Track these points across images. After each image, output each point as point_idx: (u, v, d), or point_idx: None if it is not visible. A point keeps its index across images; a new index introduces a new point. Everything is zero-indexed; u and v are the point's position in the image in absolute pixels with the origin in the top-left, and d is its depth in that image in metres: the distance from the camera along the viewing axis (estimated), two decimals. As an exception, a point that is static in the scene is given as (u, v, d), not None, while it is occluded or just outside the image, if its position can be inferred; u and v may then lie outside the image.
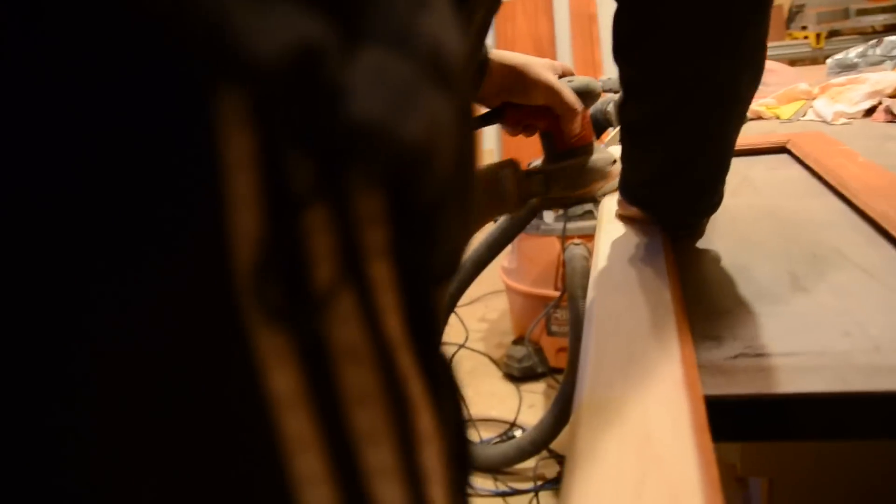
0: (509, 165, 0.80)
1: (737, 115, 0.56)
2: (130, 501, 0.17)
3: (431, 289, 0.22)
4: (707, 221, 0.68)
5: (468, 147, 0.24)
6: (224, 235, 0.16)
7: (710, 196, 0.62)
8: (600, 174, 0.84)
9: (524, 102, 0.81)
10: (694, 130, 0.55)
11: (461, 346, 1.99)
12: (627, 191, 0.66)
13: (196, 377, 0.17)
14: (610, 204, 0.78)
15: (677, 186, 0.60)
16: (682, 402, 0.37)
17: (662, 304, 0.50)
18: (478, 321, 2.57)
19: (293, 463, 0.18)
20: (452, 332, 2.10)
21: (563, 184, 0.83)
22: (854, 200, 0.72)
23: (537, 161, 0.86)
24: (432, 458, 0.22)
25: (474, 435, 1.93)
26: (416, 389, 0.21)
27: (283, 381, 0.18)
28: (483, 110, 0.81)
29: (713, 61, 0.51)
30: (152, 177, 0.16)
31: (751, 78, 0.53)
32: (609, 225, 0.72)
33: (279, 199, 0.17)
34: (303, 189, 0.17)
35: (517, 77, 0.79)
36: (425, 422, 0.22)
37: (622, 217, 0.74)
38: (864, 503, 0.82)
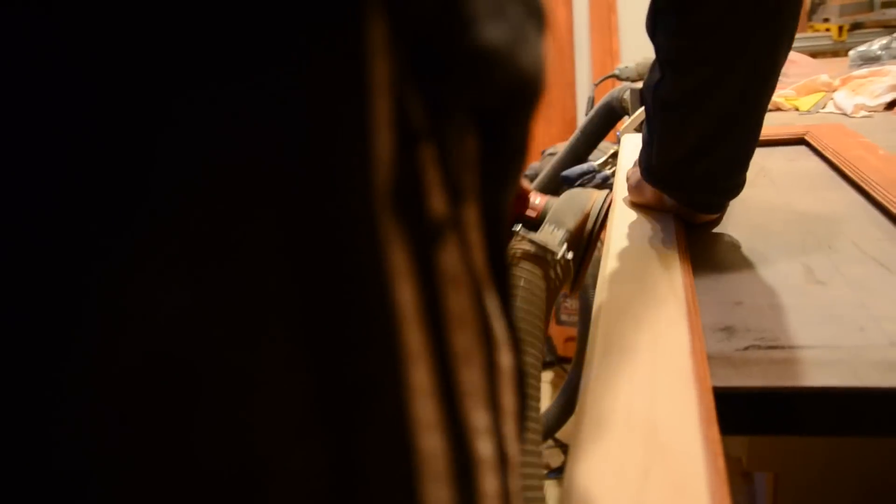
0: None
1: (771, 85, 0.57)
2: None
3: (505, 234, 0.24)
4: (727, 206, 0.67)
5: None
6: (370, 152, 0.18)
7: (739, 173, 0.62)
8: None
9: None
10: (732, 102, 0.56)
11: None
12: (654, 174, 0.65)
13: (336, 283, 0.18)
14: (622, 191, 0.76)
15: (711, 162, 0.60)
16: (691, 393, 0.36)
17: (674, 293, 0.49)
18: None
19: (409, 374, 0.19)
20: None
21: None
22: (873, 193, 0.70)
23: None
24: (508, 395, 0.24)
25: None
26: (499, 326, 0.23)
27: (406, 294, 0.19)
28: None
29: (755, 30, 0.52)
30: (306, 93, 0.17)
31: (786, 47, 0.55)
32: (620, 213, 0.71)
33: (404, 129, 0.19)
34: (419, 124, 0.19)
35: None
36: (505, 358, 0.24)
37: (634, 205, 0.73)
38: (869, 499, 0.82)
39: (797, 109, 1.27)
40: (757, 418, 0.41)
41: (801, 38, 3.09)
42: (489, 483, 0.21)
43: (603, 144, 1.60)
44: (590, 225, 0.69)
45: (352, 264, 0.18)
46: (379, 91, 0.18)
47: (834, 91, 1.30)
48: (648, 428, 0.34)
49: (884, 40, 1.55)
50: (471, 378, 0.22)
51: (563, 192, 0.79)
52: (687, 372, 0.38)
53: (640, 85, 1.10)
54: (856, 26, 3.10)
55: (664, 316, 0.46)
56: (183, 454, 0.17)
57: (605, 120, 1.45)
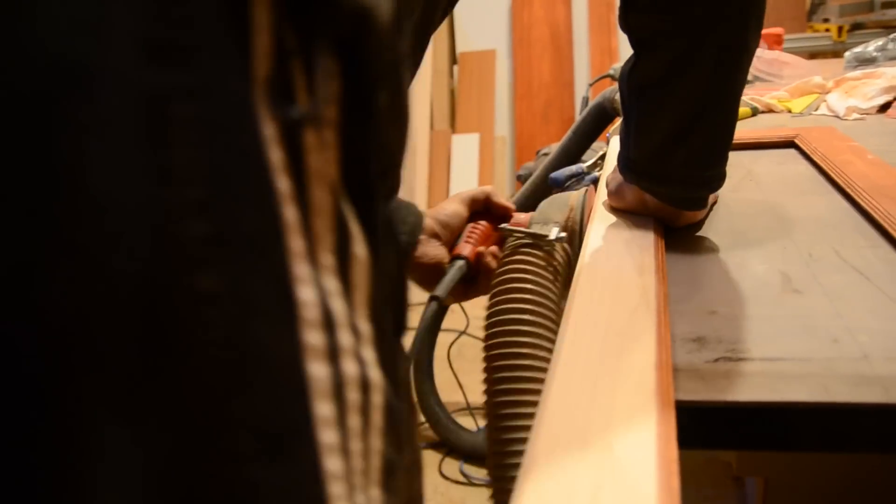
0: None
1: (743, 67, 0.58)
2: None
3: (370, 164, 0.30)
4: (708, 206, 0.67)
5: (401, 67, 0.31)
6: (251, 47, 0.24)
7: (718, 163, 0.63)
8: None
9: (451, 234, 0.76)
10: (705, 82, 0.57)
11: (462, 332, 1.98)
12: (633, 168, 0.65)
13: (224, 141, 0.24)
14: (603, 196, 0.76)
15: (689, 150, 0.60)
16: (651, 409, 0.35)
17: (646, 303, 0.48)
18: (480, 309, 2.55)
19: (289, 240, 0.25)
20: (454, 320, 2.09)
21: None
22: (858, 199, 0.69)
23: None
24: (362, 280, 0.29)
25: (473, 423, 1.92)
26: (354, 225, 0.29)
27: (276, 155, 0.25)
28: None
29: (722, 7, 0.55)
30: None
31: (755, 25, 0.57)
32: (599, 219, 0.70)
33: (279, 43, 0.25)
34: (290, 46, 0.25)
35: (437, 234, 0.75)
36: (360, 249, 0.29)
37: (613, 210, 0.71)
38: (859, 502, 0.81)
39: (790, 111, 1.25)
40: (725, 433, 0.40)
41: (801, 38, 3.07)
42: (314, 337, 0.27)
43: (596, 144, 1.59)
44: (577, 216, 0.70)
45: (234, 136, 0.24)
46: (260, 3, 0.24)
47: (827, 93, 1.29)
48: (604, 445, 0.33)
49: (879, 42, 1.54)
50: (325, 259, 0.27)
51: (551, 194, 0.80)
52: (650, 387, 0.37)
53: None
54: (856, 27, 3.09)
55: (634, 326, 0.45)
56: None
57: (597, 120, 1.44)
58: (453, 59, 3.96)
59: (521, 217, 0.74)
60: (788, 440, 0.40)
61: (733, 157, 0.95)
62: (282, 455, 0.25)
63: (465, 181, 3.67)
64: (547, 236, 0.66)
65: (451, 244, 0.74)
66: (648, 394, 0.36)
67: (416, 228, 0.72)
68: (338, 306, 0.28)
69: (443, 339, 1.88)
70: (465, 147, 3.76)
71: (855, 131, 1.04)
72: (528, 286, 0.63)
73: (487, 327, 0.63)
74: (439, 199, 3.70)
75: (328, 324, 0.27)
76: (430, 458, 1.83)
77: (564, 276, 0.66)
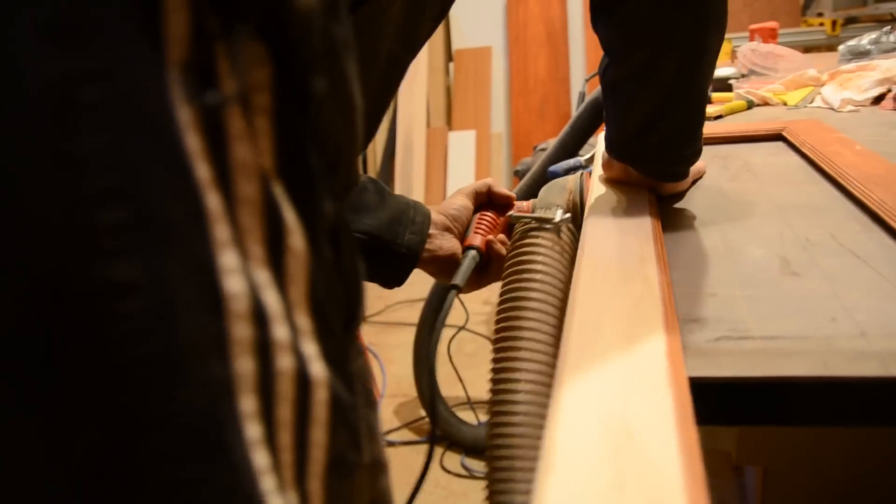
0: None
1: (706, 64, 0.63)
2: None
3: (310, 155, 0.29)
4: (689, 174, 0.72)
5: (338, 38, 0.31)
6: (163, 30, 0.23)
7: (690, 144, 0.68)
8: None
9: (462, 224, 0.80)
10: (670, 82, 0.62)
11: (461, 328, 1.99)
12: (614, 149, 0.71)
13: (135, 126, 0.23)
14: (598, 187, 0.77)
15: (660, 136, 0.66)
16: (666, 394, 0.35)
17: (649, 291, 0.49)
18: (480, 304, 2.57)
19: (212, 228, 0.25)
20: (454, 315, 2.10)
21: None
22: (850, 188, 0.70)
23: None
24: (299, 273, 0.28)
25: (474, 417, 1.93)
26: (290, 217, 0.28)
27: (194, 141, 0.24)
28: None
29: (679, 19, 0.59)
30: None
31: (715, 30, 0.61)
32: (596, 203, 0.71)
33: (199, 28, 0.24)
34: (213, 30, 0.25)
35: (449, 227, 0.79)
36: (296, 241, 0.28)
37: (607, 181, 0.77)
38: (858, 492, 0.82)
39: (785, 104, 1.27)
40: (728, 408, 0.41)
41: (795, 32, 3.09)
42: (241, 329, 0.26)
43: (593, 139, 1.61)
44: (576, 197, 0.75)
45: (148, 125, 0.23)
46: None
47: (822, 86, 1.30)
48: (623, 433, 0.33)
49: (873, 35, 1.56)
50: (255, 250, 0.27)
51: None
52: (663, 372, 0.37)
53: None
54: (850, 21, 3.10)
55: (640, 315, 0.45)
56: None
57: (594, 115, 1.45)
58: (449, 56, 3.97)
59: (523, 204, 0.78)
60: (789, 415, 0.41)
61: (730, 149, 0.97)
62: (210, 452, 0.24)
63: (462, 177, 3.68)
64: (553, 219, 0.69)
65: (462, 236, 0.78)
66: (663, 380, 0.37)
67: (424, 227, 0.75)
68: (270, 299, 0.27)
69: (443, 335, 1.89)
70: (461, 144, 3.77)
71: (850, 123, 1.06)
72: (539, 266, 0.66)
73: (500, 310, 0.65)
74: (436, 195, 3.70)
75: (258, 316, 0.26)
76: (431, 452, 1.85)
77: (571, 253, 0.70)
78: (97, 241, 0.22)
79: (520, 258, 0.67)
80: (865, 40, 1.56)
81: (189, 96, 0.24)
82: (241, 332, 0.25)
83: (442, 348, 1.93)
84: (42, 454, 0.23)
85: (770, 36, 1.79)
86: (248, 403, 0.26)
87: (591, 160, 1.14)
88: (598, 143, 0.94)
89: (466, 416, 1.93)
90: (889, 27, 1.56)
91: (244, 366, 0.26)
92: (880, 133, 0.98)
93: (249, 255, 0.26)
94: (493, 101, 3.89)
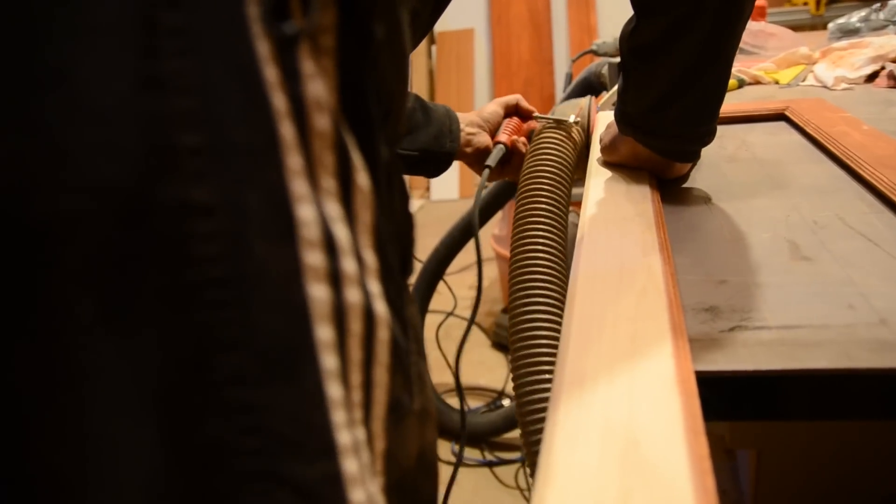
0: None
1: (738, 32, 0.60)
2: None
3: (369, 98, 0.30)
4: (699, 156, 0.70)
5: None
6: None
7: (710, 119, 0.65)
8: None
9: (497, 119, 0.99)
10: (699, 47, 0.59)
11: (450, 313, 1.97)
12: (629, 122, 0.68)
13: (215, 52, 0.24)
14: (595, 169, 0.74)
15: (683, 106, 0.63)
16: (674, 399, 0.33)
17: (653, 284, 0.46)
18: (467, 289, 2.55)
19: (287, 157, 0.25)
20: (441, 301, 2.08)
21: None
22: (858, 170, 0.68)
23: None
24: (365, 211, 0.29)
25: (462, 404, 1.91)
26: (356, 155, 0.29)
27: (271, 72, 0.25)
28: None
29: None
30: None
31: None
32: (595, 181, 0.69)
33: None
34: None
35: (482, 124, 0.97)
36: (362, 179, 0.29)
37: (608, 164, 0.74)
38: (852, 476, 0.81)
39: (777, 83, 1.25)
40: (745, 403, 0.39)
41: (779, 12, 3.07)
42: (314, 257, 0.26)
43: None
44: (585, 112, 0.92)
45: (225, 50, 0.24)
46: None
47: (814, 64, 1.28)
48: (628, 442, 0.30)
49: (862, 12, 1.54)
50: (326, 183, 0.27)
51: None
52: (669, 377, 0.35)
53: (617, 60, 1.08)
54: (834, 0, 3.09)
55: (644, 310, 0.43)
56: None
57: (583, 95, 1.42)
58: (431, 39, 3.93)
59: (539, 115, 0.96)
60: (810, 408, 0.39)
61: (726, 128, 0.95)
62: (284, 378, 0.25)
63: (446, 162, 3.64)
64: (567, 120, 0.88)
65: (492, 134, 0.98)
66: (670, 384, 0.34)
67: (458, 133, 0.93)
68: (340, 232, 0.27)
69: (431, 321, 1.87)
70: (445, 127, 3.73)
71: (843, 101, 1.04)
72: (553, 150, 0.82)
73: (520, 188, 0.79)
74: (422, 178, 3.67)
75: (329, 246, 0.27)
76: (420, 440, 1.83)
77: (579, 150, 0.87)
78: (175, 163, 0.23)
79: (541, 144, 0.84)
80: (855, 18, 1.54)
81: (266, 29, 0.25)
82: (314, 259, 0.26)
83: (430, 334, 1.91)
84: (118, 373, 0.22)
85: (759, 14, 1.77)
86: (324, 332, 0.26)
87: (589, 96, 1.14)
88: (596, 127, 0.91)
89: (455, 402, 1.91)
90: (878, 4, 1.54)
91: (320, 292, 0.26)
92: (877, 111, 0.96)
93: (320, 187, 0.27)
94: (477, 83, 3.85)
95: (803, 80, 1.22)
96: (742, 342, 0.41)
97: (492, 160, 0.93)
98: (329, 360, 0.26)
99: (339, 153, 0.28)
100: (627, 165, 0.73)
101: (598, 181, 0.71)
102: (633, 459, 0.29)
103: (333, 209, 0.27)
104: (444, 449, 1.80)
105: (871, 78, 1.16)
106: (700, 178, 0.74)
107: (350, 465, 0.26)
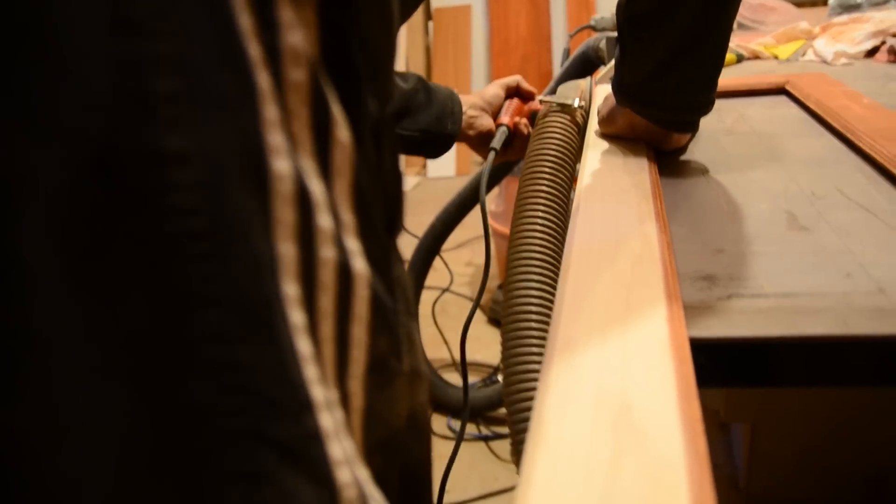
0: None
1: (734, 3, 0.60)
2: None
3: (353, 53, 0.30)
4: (697, 126, 0.69)
5: None
6: None
7: (708, 89, 0.64)
8: None
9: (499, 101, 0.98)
10: (697, 15, 0.58)
11: (445, 289, 1.97)
12: (626, 92, 0.67)
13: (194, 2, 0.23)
14: (593, 142, 0.74)
15: (680, 76, 0.62)
16: (667, 365, 0.32)
17: (649, 253, 0.46)
18: (464, 266, 2.55)
19: (255, 78, 0.25)
20: (437, 277, 2.08)
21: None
22: (857, 142, 0.68)
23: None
24: (345, 166, 0.29)
25: (458, 380, 1.92)
26: (336, 110, 0.28)
27: (246, 20, 0.24)
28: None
29: None
30: None
31: None
32: (591, 162, 0.68)
33: None
34: None
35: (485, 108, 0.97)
36: (342, 134, 0.29)
37: (605, 136, 0.73)
38: (845, 449, 0.81)
39: (776, 58, 1.24)
40: (742, 370, 0.39)
41: (779, -11, 3.04)
42: (285, 213, 0.26)
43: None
44: (587, 94, 0.91)
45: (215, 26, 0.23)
46: None
47: (814, 39, 1.27)
48: (620, 406, 0.30)
49: (863, -13, 1.52)
50: (302, 137, 0.27)
51: None
52: (663, 341, 0.35)
53: (615, 34, 1.07)
54: (833, -23, 3.06)
55: (639, 277, 0.43)
56: None
57: (581, 69, 1.41)
58: (428, 15, 3.89)
59: (545, 98, 0.94)
60: (807, 375, 0.39)
61: (724, 102, 0.95)
62: (261, 334, 0.24)
63: (443, 139, 3.62)
64: (572, 104, 0.87)
65: (494, 116, 0.98)
66: (663, 350, 0.34)
67: (460, 114, 0.93)
68: (315, 187, 0.27)
69: (427, 297, 1.86)
70: (442, 104, 3.71)
71: (844, 76, 1.03)
72: (559, 134, 0.83)
73: (525, 171, 0.80)
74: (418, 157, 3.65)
75: (303, 202, 0.26)
76: (416, 415, 1.84)
77: (581, 132, 0.86)
78: (150, 109, 0.22)
79: (546, 127, 0.84)
80: (856, -7, 1.53)
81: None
82: (285, 214, 0.25)
83: (426, 310, 1.91)
84: (88, 333, 0.22)
85: (758, -11, 1.75)
86: (290, 288, 0.25)
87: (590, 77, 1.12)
88: (595, 97, 0.91)
89: (451, 378, 1.92)
90: (879, -20, 1.53)
91: (287, 250, 0.26)
92: (877, 86, 0.95)
93: (296, 141, 0.26)
94: (474, 60, 3.83)
95: (803, 56, 1.22)
96: (739, 309, 0.41)
97: (496, 142, 0.93)
98: (297, 316, 0.25)
99: (317, 106, 0.27)
100: (625, 137, 0.72)
101: (595, 153, 0.71)
102: (625, 423, 0.29)
103: (308, 164, 0.27)
104: (440, 423, 1.81)
105: (872, 53, 1.15)
106: (698, 150, 0.73)
107: (326, 421, 0.26)
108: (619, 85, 0.67)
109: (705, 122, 0.81)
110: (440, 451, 1.71)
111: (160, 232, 0.22)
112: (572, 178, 0.80)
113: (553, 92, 0.95)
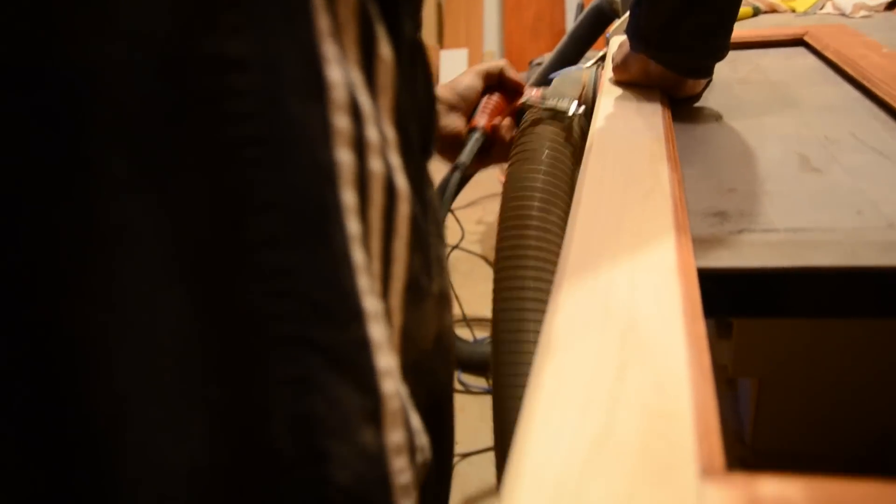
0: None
1: None
2: None
3: None
4: (713, 72, 0.68)
5: None
6: None
7: (724, 34, 0.63)
8: None
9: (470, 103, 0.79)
10: None
11: (455, 246, 1.98)
12: (641, 37, 0.66)
13: None
14: (608, 88, 0.73)
15: (696, 20, 0.61)
16: (674, 286, 0.33)
17: (659, 187, 0.46)
18: (475, 223, 2.55)
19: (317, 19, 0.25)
20: (448, 234, 2.08)
21: None
22: (874, 89, 0.67)
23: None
24: (387, 82, 0.29)
25: (469, 334, 1.93)
26: (379, 27, 0.28)
27: None
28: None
29: None
30: None
31: None
32: (605, 107, 0.68)
33: None
34: None
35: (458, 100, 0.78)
36: (385, 50, 0.29)
37: (619, 83, 0.72)
38: (851, 404, 0.82)
39: (794, 10, 1.22)
40: (749, 300, 0.39)
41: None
42: (342, 120, 0.26)
43: (591, 53, 1.55)
44: (590, 92, 0.72)
45: None
46: None
47: (832, -9, 1.25)
48: (627, 323, 0.31)
49: (885, -60, 1.49)
50: (350, 50, 0.27)
51: None
52: (671, 265, 0.35)
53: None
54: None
55: (648, 208, 0.43)
56: None
57: (595, 23, 1.39)
58: (441, -29, 3.84)
59: (533, 91, 0.75)
60: (815, 306, 0.40)
61: (739, 53, 0.94)
62: (315, 241, 0.24)
63: (455, 98, 3.60)
64: (567, 112, 0.68)
65: (468, 115, 0.76)
66: (671, 273, 0.34)
67: None
68: (364, 99, 0.27)
69: (436, 253, 1.87)
70: (453, 63, 3.68)
71: (863, 29, 1.02)
72: (548, 159, 0.64)
73: (505, 198, 0.64)
74: (428, 116, 3.63)
75: (355, 112, 0.27)
76: (426, 369, 1.86)
77: (579, 150, 0.68)
78: (212, 15, 0.22)
79: (529, 146, 0.65)
80: (877, -54, 1.50)
81: None
82: (342, 122, 0.26)
83: (436, 267, 1.92)
84: (153, 232, 0.22)
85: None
86: (349, 196, 0.26)
87: (594, 66, 1.09)
88: (609, 45, 0.90)
89: (462, 333, 1.93)
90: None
91: (345, 157, 0.26)
92: (896, 38, 0.94)
93: (346, 52, 0.27)
94: (486, 18, 3.78)
95: (821, 9, 1.20)
96: (749, 243, 0.41)
97: (465, 156, 0.72)
98: (353, 225, 0.26)
99: (363, 20, 0.27)
100: (639, 84, 0.72)
101: (609, 99, 0.71)
102: (632, 338, 0.29)
103: (357, 76, 0.27)
104: (449, 378, 1.83)
105: (891, 6, 1.13)
106: (711, 98, 0.73)
107: (376, 332, 0.26)
108: (635, 30, 0.67)
109: (719, 72, 0.80)
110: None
111: (220, 136, 0.23)
112: (567, 212, 0.65)
113: (547, 82, 0.79)
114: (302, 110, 0.24)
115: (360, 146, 0.27)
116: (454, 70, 3.65)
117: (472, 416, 1.68)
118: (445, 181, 0.70)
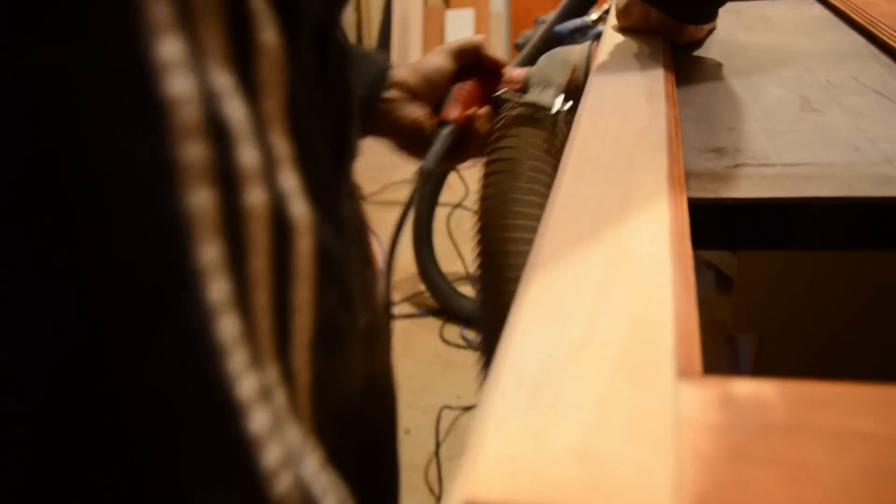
0: None
1: None
2: None
3: None
4: (715, 19, 0.66)
5: None
6: None
7: None
8: None
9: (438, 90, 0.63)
10: None
11: (457, 205, 1.98)
12: None
13: None
14: (610, 36, 0.73)
15: None
16: (664, 211, 0.33)
17: (655, 123, 0.46)
18: (479, 182, 2.55)
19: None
20: (452, 193, 2.08)
21: None
22: (879, 34, 0.67)
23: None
24: (272, 75, 0.22)
25: (472, 291, 1.95)
26: (260, 5, 0.22)
27: None
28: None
29: None
30: None
31: None
32: (607, 46, 0.67)
33: None
34: None
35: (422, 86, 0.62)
36: (267, 36, 0.22)
37: (622, 30, 0.72)
38: (850, 361, 0.82)
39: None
40: (744, 231, 0.39)
41: None
42: (192, 150, 0.21)
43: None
44: (580, 76, 0.60)
45: None
46: None
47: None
48: (615, 241, 0.31)
49: None
50: (210, 41, 0.20)
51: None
52: (662, 192, 0.35)
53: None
54: None
55: (642, 144, 0.43)
56: None
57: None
58: (447, -70, 3.77)
59: (515, 74, 0.64)
60: (810, 237, 0.40)
61: (744, 3, 0.92)
62: (166, 321, 0.19)
63: (460, 59, 3.56)
64: (550, 109, 0.56)
65: (434, 103, 0.62)
66: (661, 198, 0.34)
67: (377, 81, 0.59)
68: (234, 111, 0.20)
69: (440, 213, 1.88)
70: (459, 23, 3.64)
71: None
72: (526, 173, 0.55)
73: (480, 214, 0.57)
74: (434, 77, 3.60)
75: (217, 132, 0.20)
76: (432, 325, 1.87)
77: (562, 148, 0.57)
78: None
79: (505, 158, 0.56)
80: None
81: None
82: (192, 152, 0.19)
83: (441, 226, 1.92)
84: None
85: None
86: (209, 251, 0.20)
87: (599, 20, 1.08)
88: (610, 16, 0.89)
89: (466, 289, 1.95)
90: None
91: (201, 199, 0.19)
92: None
93: (203, 48, 0.20)
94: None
95: (831, -40, 1.18)
96: (745, 176, 0.41)
97: (431, 160, 0.57)
98: (217, 289, 0.20)
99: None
100: (641, 30, 0.71)
101: (609, 45, 0.70)
102: (617, 253, 0.29)
103: (222, 79, 0.20)
104: (454, 333, 1.84)
105: (902, -43, 1.11)
106: (714, 45, 0.72)
107: (257, 422, 0.21)
108: None
109: (722, 22, 0.79)
110: (454, 359, 1.75)
111: (30, 208, 0.17)
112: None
113: (532, 59, 0.66)
114: (129, 142, 0.18)
115: (226, 178, 0.20)
116: (460, 32, 3.61)
117: (472, 369, 1.70)
118: (413, 192, 0.60)
